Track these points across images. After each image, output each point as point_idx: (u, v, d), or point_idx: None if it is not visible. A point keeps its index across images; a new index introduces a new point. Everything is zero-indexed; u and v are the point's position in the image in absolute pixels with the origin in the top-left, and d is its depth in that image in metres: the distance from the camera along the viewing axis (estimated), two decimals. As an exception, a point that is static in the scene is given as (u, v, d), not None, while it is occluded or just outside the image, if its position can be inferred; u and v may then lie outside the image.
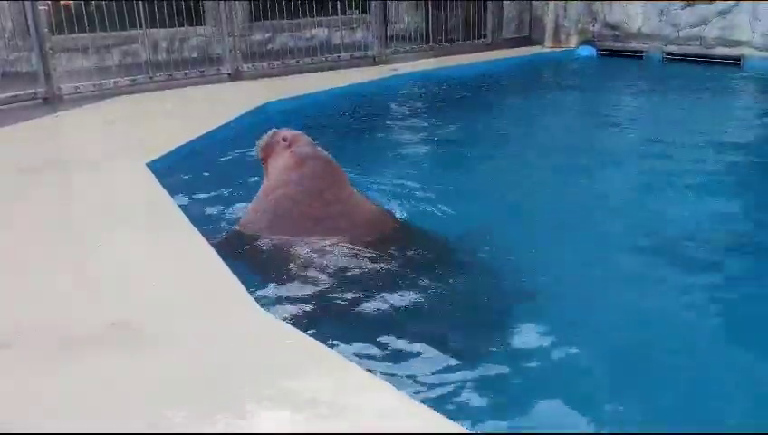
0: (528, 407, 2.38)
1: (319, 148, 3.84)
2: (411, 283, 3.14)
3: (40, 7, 7.64)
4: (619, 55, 11.48)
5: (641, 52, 11.26)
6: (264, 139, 3.92)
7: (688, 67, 10.43)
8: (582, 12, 12.08)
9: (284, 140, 3.82)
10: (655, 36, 11.31)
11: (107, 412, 2.00)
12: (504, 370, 2.57)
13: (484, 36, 12.21)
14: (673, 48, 11.02)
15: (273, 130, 3.98)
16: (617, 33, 11.79)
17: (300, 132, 3.93)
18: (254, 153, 4.02)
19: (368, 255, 3.37)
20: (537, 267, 3.50)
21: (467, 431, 1.87)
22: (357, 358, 2.34)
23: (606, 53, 11.67)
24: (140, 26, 9.04)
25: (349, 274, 3.21)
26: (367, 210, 3.76)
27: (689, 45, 10.92)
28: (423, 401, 2.05)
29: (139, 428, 1.91)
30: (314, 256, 3.32)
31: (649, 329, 2.96)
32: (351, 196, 3.73)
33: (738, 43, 10.43)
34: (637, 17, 11.52)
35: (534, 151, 6.16)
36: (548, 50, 11.95)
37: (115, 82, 8.31)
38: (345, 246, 3.40)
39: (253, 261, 3.39)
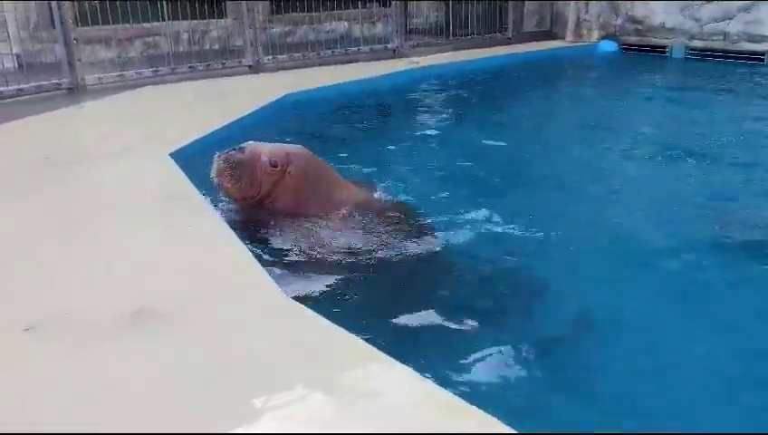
0: (552, 396, 2.38)
1: (295, 149, 3.50)
2: (437, 272, 3.15)
3: (65, -1, 7.72)
4: (641, 50, 11.37)
5: (664, 47, 11.13)
6: (241, 179, 3.25)
7: (712, 62, 10.30)
8: (604, 6, 11.97)
9: (274, 165, 3.32)
10: (678, 31, 11.18)
11: (135, 395, 2.02)
12: (532, 359, 2.57)
13: (505, 30, 12.15)
14: (696, 43, 10.89)
15: (235, 162, 3.23)
16: (639, 27, 11.67)
17: (268, 149, 3.38)
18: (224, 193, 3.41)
19: (388, 244, 3.36)
20: (559, 260, 3.49)
21: (496, 420, 1.87)
22: (382, 344, 2.34)
23: (628, 48, 11.55)
24: (163, 19, 9.10)
25: (373, 263, 3.22)
26: (368, 199, 3.67)
27: (713, 40, 10.79)
28: (447, 388, 2.05)
29: (165, 411, 1.93)
30: (337, 245, 3.31)
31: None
32: (349, 186, 3.62)
33: (763, 39, 10.28)
34: (659, 12, 11.39)
35: (554, 146, 6.13)
36: (569, 44, 11.86)
37: (137, 74, 8.38)
38: (364, 235, 3.38)
39: (276, 250, 3.41)
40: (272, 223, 3.43)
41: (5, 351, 2.31)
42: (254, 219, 3.51)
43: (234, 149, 3.31)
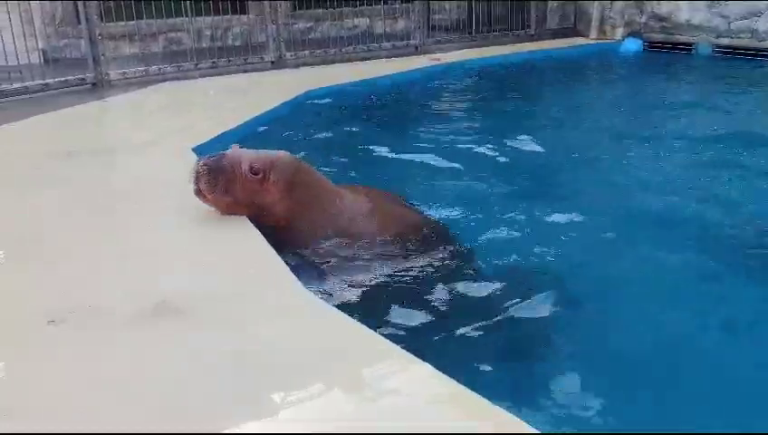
0: (578, 398, 2.35)
1: (281, 156, 3.24)
2: (455, 275, 3.12)
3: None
4: (666, 48, 11.20)
5: (690, 44, 10.95)
6: (219, 186, 3.05)
7: (739, 60, 10.13)
8: (629, 3, 11.82)
9: (256, 173, 3.07)
10: (704, 28, 11.01)
11: (154, 388, 2.03)
12: (556, 362, 2.54)
13: (528, 27, 12.05)
14: (723, 41, 10.71)
15: (211, 168, 3.03)
16: (665, 24, 11.51)
17: (249, 156, 3.13)
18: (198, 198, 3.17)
19: (397, 247, 3.29)
20: (587, 265, 3.43)
21: (516, 418, 1.85)
22: (402, 342, 2.33)
23: (653, 46, 11.39)
24: (185, 15, 9.16)
25: (385, 262, 3.18)
26: (372, 201, 3.47)
27: (740, 38, 10.61)
28: (469, 387, 2.02)
29: (183, 404, 1.93)
30: (354, 249, 3.23)
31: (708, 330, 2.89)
32: (344, 193, 3.40)
33: (792, 36, 10.11)
34: (685, 9, 11.22)
35: (580, 147, 6.04)
36: (593, 42, 11.73)
37: (160, 69, 8.44)
38: (374, 236, 3.29)
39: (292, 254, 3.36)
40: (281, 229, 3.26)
41: (30, 342, 2.33)
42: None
43: (214, 155, 3.13)
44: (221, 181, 3.06)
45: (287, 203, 3.14)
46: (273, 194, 3.12)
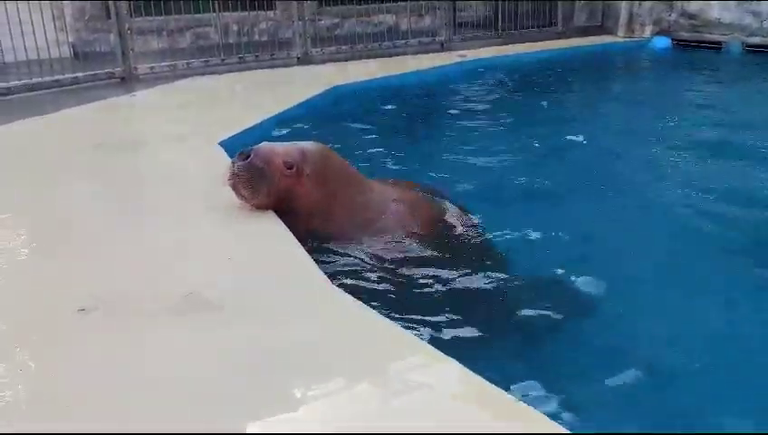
0: (603, 398, 2.33)
1: (311, 147, 3.23)
2: (485, 271, 3.09)
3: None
4: (696, 46, 11.04)
5: (720, 43, 10.78)
6: (253, 182, 3.04)
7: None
8: (658, 1, 11.67)
9: (290, 168, 3.07)
10: (735, 26, 10.83)
11: (182, 380, 2.04)
12: (584, 364, 2.52)
13: (555, 24, 11.96)
14: (754, 39, 10.52)
15: (247, 166, 3.02)
16: (694, 22, 11.34)
17: (283, 151, 3.12)
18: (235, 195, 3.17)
19: (425, 239, 3.28)
20: (616, 267, 3.37)
21: (545, 417, 1.83)
22: (429, 338, 2.33)
23: (682, 44, 11.23)
24: (213, 10, 9.22)
25: (414, 258, 3.17)
26: (401, 195, 3.47)
27: (773, 37, 10.42)
28: (496, 384, 2.01)
29: (209, 396, 1.94)
30: (382, 242, 3.22)
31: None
32: (375, 186, 3.41)
33: (826, 35, 9.91)
34: (715, 7, 11.05)
35: (604, 145, 5.98)
36: (621, 39, 11.59)
37: (188, 64, 8.51)
38: (403, 232, 3.27)
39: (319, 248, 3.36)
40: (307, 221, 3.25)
41: (59, 330, 2.36)
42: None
43: (246, 153, 3.08)
44: (261, 184, 3.06)
45: (319, 194, 3.14)
46: (306, 186, 3.12)
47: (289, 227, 3.10)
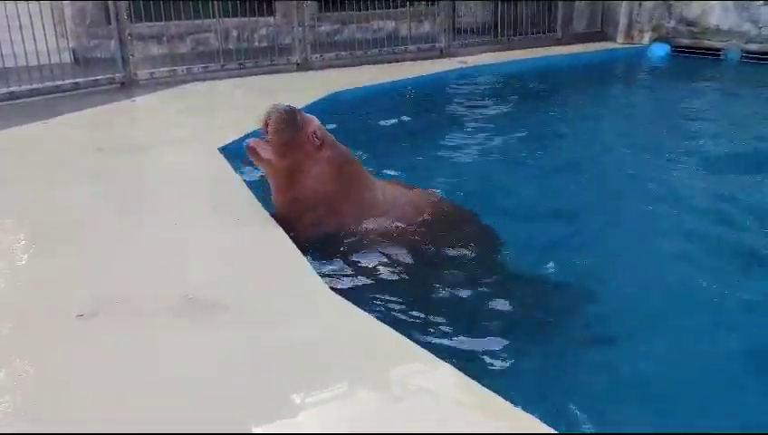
0: (598, 402, 2.34)
1: (336, 142, 3.31)
2: (486, 275, 3.11)
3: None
4: (694, 53, 11.07)
5: (719, 50, 10.81)
6: (283, 129, 3.09)
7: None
8: (657, 7, 11.72)
9: (318, 138, 3.16)
10: (733, 34, 10.87)
11: (180, 382, 2.05)
12: (581, 370, 2.53)
13: (554, 30, 12.00)
14: (753, 46, 10.56)
15: (287, 111, 3.12)
16: (693, 29, 11.39)
17: (318, 124, 3.23)
18: (259, 134, 3.22)
19: (429, 241, 3.29)
20: (615, 270, 3.39)
21: (541, 422, 1.84)
22: (427, 342, 2.34)
23: (681, 51, 11.27)
24: (213, 16, 9.25)
25: (416, 260, 3.19)
26: (407, 196, 3.51)
27: (771, 43, 10.46)
28: (493, 390, 2.03)
29: (208, 399, 1.96)
30: (379, 244, 3.25)
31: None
32: (383, 186, 3.46)
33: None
34: (714, 14, 11.09)
35: (602, 151, 6.00)
36: (620, 46, 11.65)
37: (188, 69, 8.53)
38: (406, 233, 3.30)
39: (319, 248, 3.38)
40: (310, 223, 3.28)
41: (58, 334, 2.37)
42: (290, 221, 3.30)
43: (288, 107, 3.16)
44: (287, 134, 3.09)
45: (329, 182, 3.17)
46: (323, 167, 3.16)
47: (290, 223, 3.14)
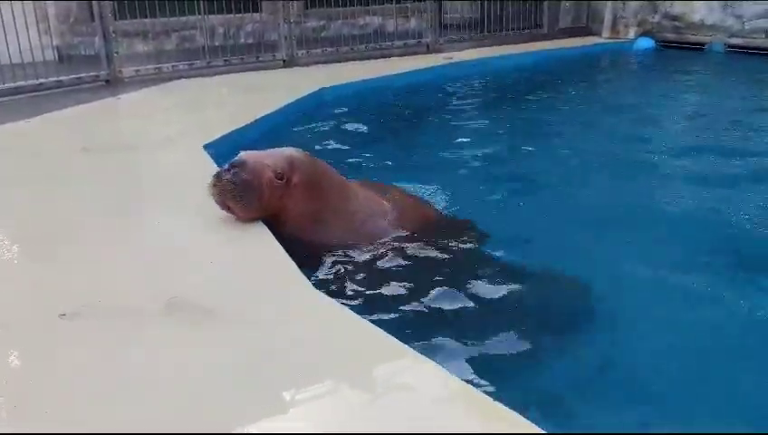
0: (585, 400, 2.36)
1: (296, 154, 3.16)
2: (470, 274, 3.11)
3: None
4: (679, 47, 11.17)
5: (702, 44, 10.91)
6: (242, 196, 2.94)
7: (752, 60, 10.07)
8: (642, 3, 11.78)
9: (280, 178, 3.01)
10: (717, 28, 10.96)
11: (165, 385, 2.05)
12: (564, 366, 2.54)
13: (540, 26, 12.03)
14: (737, 40, 10.65)
15: (236, 181, 2.92)
16: (677, 24, 11.46)
17: (274, 160, 3.04)
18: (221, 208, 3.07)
19: (413, 244, 3.29)
20: (605, 266, 3.39)
21: (524, 419, 1.85)
22: (413, 341, 2.34)
23: (666, 45, 11.37)
24: (198, 13, 9.20)
25: (401, 263, 3.18)
26: (383, 197, 3.46)
27: (754, 38, 10.54)
28: (479, 388, 2.04)
29: (193, 402, 1.96)
30: (368, 247, 3.22)
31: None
32: (357, 189, 3.38)
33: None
34: (699, 8, 11.17)
35: (591, 145, 6.02)
36: (605, 41, 11.71)
37: (173, 67, 8.48)
38: (387, 237, 3.29)
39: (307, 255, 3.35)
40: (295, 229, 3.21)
41: (45, 333, 2.36)
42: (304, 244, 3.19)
43: (233, 166, 2.97)
44: (251, 198, 2.97)
45: (307, 203, 3.10)
46: (294, 196, 3.07)
47: (276, 237, 3.08)
